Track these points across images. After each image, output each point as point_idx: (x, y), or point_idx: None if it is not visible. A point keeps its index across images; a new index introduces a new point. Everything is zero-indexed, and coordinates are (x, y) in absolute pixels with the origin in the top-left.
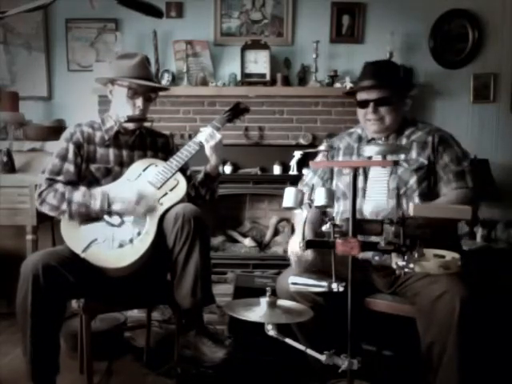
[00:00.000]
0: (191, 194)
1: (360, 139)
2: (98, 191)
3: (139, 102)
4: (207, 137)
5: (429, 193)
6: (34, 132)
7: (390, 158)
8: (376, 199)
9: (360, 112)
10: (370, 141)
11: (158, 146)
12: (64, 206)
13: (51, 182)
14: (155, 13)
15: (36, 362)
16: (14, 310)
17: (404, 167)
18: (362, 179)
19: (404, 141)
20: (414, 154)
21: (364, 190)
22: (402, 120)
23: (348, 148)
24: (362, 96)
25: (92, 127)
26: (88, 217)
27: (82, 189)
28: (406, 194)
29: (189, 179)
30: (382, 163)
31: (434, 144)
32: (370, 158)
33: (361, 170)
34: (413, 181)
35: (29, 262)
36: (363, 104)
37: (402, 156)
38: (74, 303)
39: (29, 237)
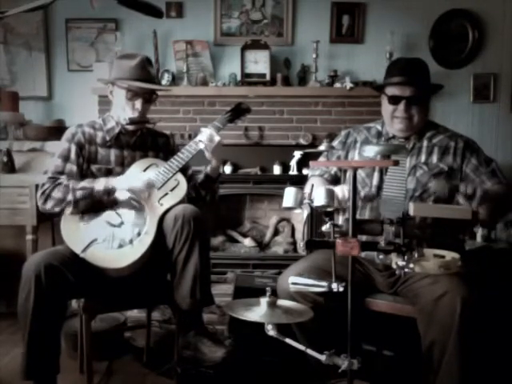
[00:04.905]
0: (192, 195)
1: (379, 135)
2: (101, 178)
3: (138, 103)
4: (206, 140)
5: (445, 199)
6: (34, 132)
7: (394, 157)
8: (393, 199)
9: (387, 108)
10: (389, 139)
11: (159, 145)
12: (69, 197)
13: (54, 180)
14: (155, 13)
15: (34, 361)
16: (14, 309)
17: (424, 170)
18: (377, 176)
19: (425, 143)
20: (434, 158)
21: (380, 188)
22: (424, 122)
23: (366, 142)
24: (393, 92)
25: (93, 128)
26: (93, 200)
27: (85, 179)
28: (422, 197)
29: (190, 179)
30: (382, 163)
31: (458, 149)
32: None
33: (377, 168)
34: (430, 185)
35: (31, 262)
36: (394, 100)
37: (423, 158)
38: (74, 303)
39: (29, 237)
